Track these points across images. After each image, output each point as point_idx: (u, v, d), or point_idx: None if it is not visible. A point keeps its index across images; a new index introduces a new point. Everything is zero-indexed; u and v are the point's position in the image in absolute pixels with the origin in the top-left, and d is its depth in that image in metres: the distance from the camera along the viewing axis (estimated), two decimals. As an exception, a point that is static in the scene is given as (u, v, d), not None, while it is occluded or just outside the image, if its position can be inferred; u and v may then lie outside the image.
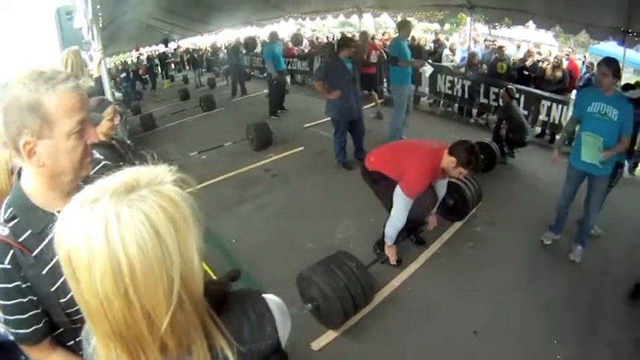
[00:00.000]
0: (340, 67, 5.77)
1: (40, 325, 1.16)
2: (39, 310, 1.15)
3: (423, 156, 3.42)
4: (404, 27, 6.60)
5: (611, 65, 3.51)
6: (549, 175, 5.68)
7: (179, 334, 0.67)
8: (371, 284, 3.24)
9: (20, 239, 1.10)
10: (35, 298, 1.13)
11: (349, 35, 9.41)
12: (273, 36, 9.84)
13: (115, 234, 0.59)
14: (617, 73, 3.57)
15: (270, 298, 0.91)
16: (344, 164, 6.27)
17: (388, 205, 3.59)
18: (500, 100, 7.15)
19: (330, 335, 3.19)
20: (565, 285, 3.70)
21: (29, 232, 1.11)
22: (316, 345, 3.10)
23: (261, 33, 15.26)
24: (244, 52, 14.19)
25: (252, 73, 15.56)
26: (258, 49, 14.67)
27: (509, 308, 3.43)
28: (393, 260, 3.87)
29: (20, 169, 1.16)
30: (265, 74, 10.72)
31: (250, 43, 14.44)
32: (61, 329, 1.22)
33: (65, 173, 1.11)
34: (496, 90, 7.78)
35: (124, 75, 14.75)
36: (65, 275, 0.64)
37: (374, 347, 3.11)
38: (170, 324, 0.64)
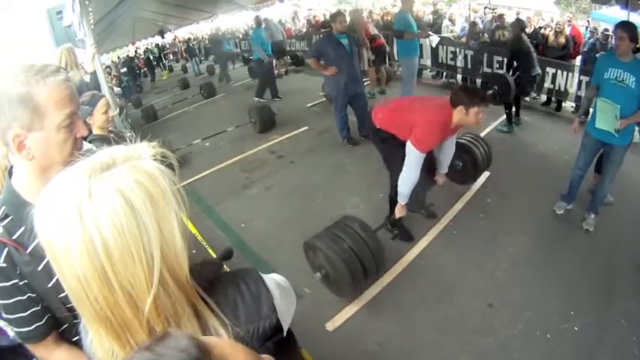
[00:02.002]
0: (333, 42, 5.67)
1: (42, 322, 1.15)
2: (39, 307, 1.14)
3: (430, 109, 3.34)
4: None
5: (627, 29, 3.32)
6: (557, 143, 5.64)
7: (166, 316, 0.64)
8: (379, 247, 3.14)
9: (14, 237, 1.09)
10: (34, 295, 1.13)
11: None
12: (258, 20, 9.73)
13: (88, 211, 0.57)
14: (634, 38, 3.35)
15: (270, 277, 0.87)
16: (349, 140, 6.24)
17: (396, 167, 3.48)
18: (509, 34, 7.04)
19: (345, 314, 3.17)
20: (579, 255, 3.63)
21: (22, 228, 1.09)
22: (331, 325, 3.08)
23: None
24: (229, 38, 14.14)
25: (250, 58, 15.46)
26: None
27: (523, 280, 3.39)
28: (399, 216, 3.71)
29: (11, 168, 1.16)
30: (252, 58, 10.80)
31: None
32: (65, 325, 1.21)
33: (55, 166, 1.09)
34: (499, 58, 7.70)
35: (123, 70, 14.81)
36: (50, 260, 0.61)
37: (389, 324, 3.08)
38: (154, 306, 0.61)
